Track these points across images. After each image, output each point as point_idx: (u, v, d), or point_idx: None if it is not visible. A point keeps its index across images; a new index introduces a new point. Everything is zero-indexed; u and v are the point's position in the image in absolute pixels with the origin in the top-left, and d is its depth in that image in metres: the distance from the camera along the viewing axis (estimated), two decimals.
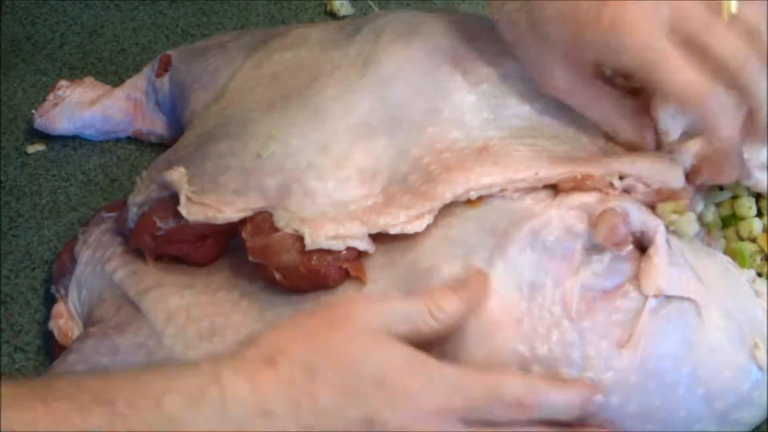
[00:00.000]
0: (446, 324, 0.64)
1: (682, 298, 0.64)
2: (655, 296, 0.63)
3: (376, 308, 0.63)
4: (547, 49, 0.69)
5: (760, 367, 0.64)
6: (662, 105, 0.69)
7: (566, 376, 0.63)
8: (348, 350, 0.60)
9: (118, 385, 0.56)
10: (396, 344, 0.61)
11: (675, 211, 0.68)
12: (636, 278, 0.64)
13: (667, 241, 0.64)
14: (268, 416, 0.58)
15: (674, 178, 0.68)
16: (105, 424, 0.54)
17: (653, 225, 0.64)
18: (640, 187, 0.68)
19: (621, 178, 0.68)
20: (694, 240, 0.66)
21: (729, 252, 0.71)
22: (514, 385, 0.62)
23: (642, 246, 0.65)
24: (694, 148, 0.68)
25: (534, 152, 0.70)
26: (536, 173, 0.68)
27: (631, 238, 0.64)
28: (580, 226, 0.65)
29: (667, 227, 0.67)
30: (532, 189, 0.68)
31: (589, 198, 0.65)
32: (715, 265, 0.66)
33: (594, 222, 0.64)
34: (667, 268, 0.63)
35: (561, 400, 0.62)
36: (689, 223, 0.68)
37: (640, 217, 0.64)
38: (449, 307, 0.64)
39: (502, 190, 0.68)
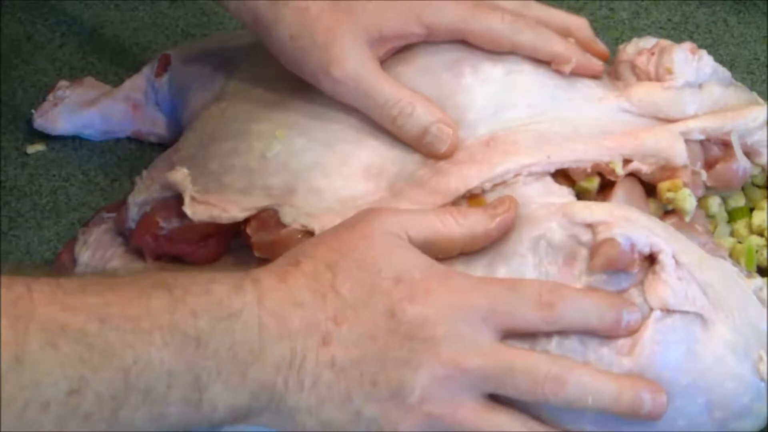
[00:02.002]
0: (468, 230, 0.65)
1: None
2: (661, 310, 0.63)
3: (395, 213, 0.65)
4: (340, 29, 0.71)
5: (762, 379, 0.63)
6: (676, 50, 0.72)
7: None
8: (367, 251, 0.62)
9: (172, 276, 0.60)
10: (414, 250, 0.63)
11: (670, 189, 0.69)
12: (641, 284, 0.64)
13: (674, 256, 0.64)
14: (299, 306, 0.60)
15: (677, 154, 0.69)
16: (166, 305, 0.57)
17: (660, 246, 0.64)
18: (645, 168, 0.69)
19: (625, 161, 0.69)
20: (701, 252, 0.66)
21: (736, 253, 0.71)
22: (534, 283, 0.63)
23: (650, 256, 0.65)
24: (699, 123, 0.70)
25: (540, 135, 0.70)
26: (548, 156, 0.68)
27: (637, 261, 0.64)
28: (585, 236, 0.64)
29: (665, 206, 0.68)
30: (545, 174, 0.68)
31: (594, 218, 0.65)
32: (723, 277, 0.65)
33: (593, 250, 0.64)
34: (673, 283, 0.63)
35: (586, 303, 0.62)
36: (685, 199, 0.68)
37: (647, 242, 0.64)
38: (473, 215, 0.65)
39: (516, 176, 0.68)
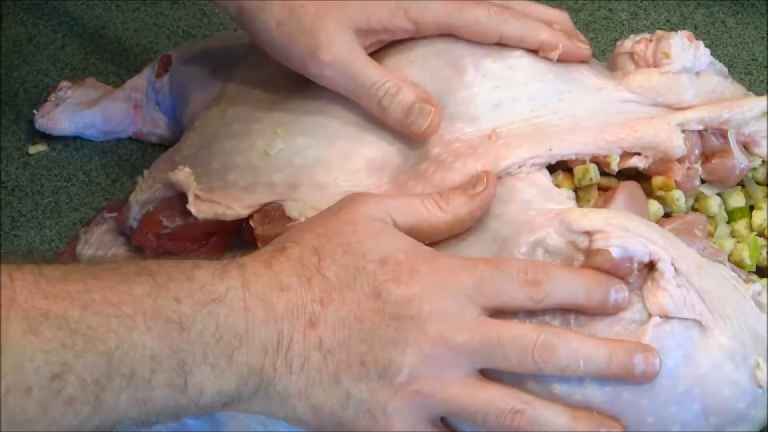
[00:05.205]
0: (453, 214, 0.65)
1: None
2: (660, 316, 0.63)
3: (380, 198, 0.66)
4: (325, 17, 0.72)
5: (759, 386, 0.63)
6: (673, 36, 0.73)
7: (560, 391, 0.62)
8: (352, 235, 0.63)
9: (156, 264, 0.60)
10: (399, 233, 0.64)
11: (661, 188, 0.69)
12: (640, 290, 0.64)
13: (673, 264, 0.64)
14: (285, 290, 0.61)
15: (674, 146, 0.69)
16: (148, 291, 0.58)
17: (658, 254, 0.64)
18: (642, 164, 0.69)
19: (626, 154, 0.69)
20: (700, 258, 0.66)
21: (736, 254, 0.71)
22: (519, 262, 0.63)
23: (650, 262, 0.65)
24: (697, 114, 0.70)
25: (542, 128, 0.70)
26: (550, 149, 0.69)
27: (635, 270, 0.64)
28: (583, 243, 0.64)
29: (666, 208, 0.69)
30: (546, 164, 0.69)
31: (592, 226, 0.65)
32: (721, 283, 0.65)
33: (586, 260, 0.64)
34: (672, 290, 0.63)
35: (573, 280, 0.62)
36: (673, 202, 0.69)
37: (646, 251, 0.64)
38: (456, 199, 0.66)
39: (520, 167, 0.68)
